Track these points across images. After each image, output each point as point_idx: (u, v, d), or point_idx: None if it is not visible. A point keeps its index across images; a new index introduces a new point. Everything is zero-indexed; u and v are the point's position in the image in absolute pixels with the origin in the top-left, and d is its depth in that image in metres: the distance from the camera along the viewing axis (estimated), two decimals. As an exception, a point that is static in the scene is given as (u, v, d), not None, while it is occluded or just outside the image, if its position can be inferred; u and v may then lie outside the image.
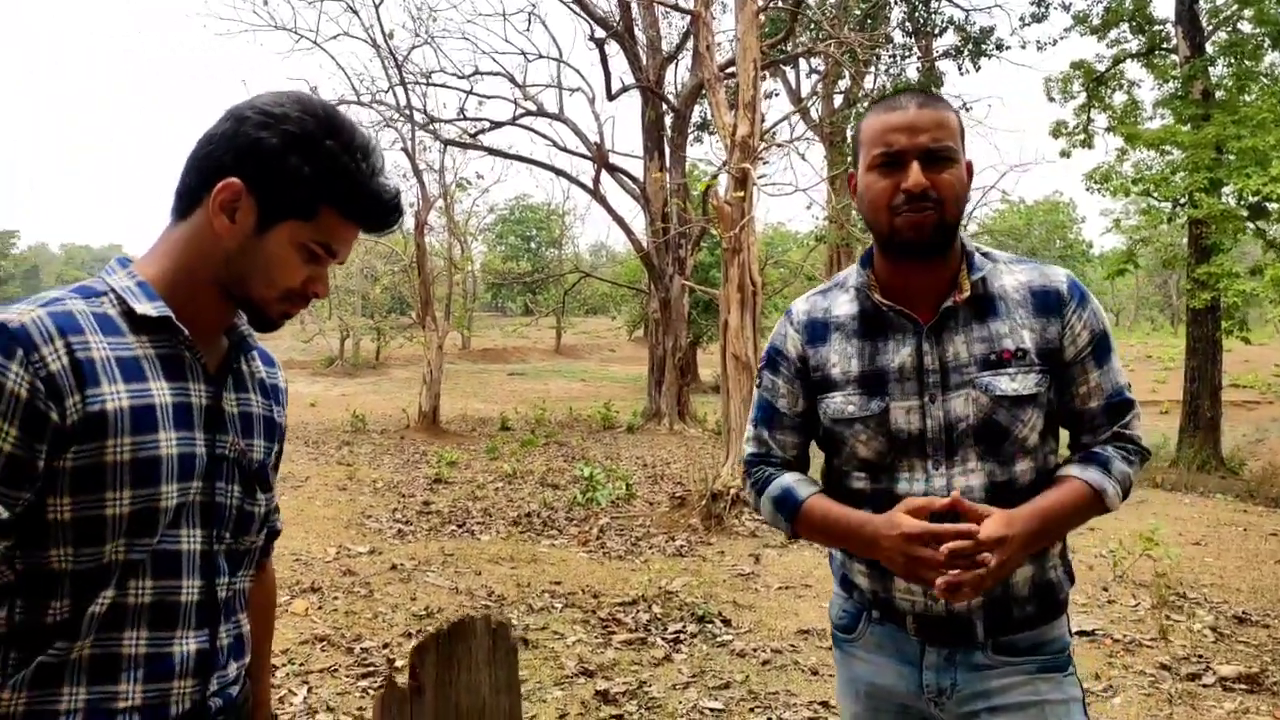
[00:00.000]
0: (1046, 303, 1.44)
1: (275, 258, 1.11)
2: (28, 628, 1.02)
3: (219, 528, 1.14)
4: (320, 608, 4.83)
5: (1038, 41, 21.00)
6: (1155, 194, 14.37)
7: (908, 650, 1.49)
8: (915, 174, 1.35)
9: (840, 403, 1.48)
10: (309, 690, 3.74)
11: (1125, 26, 17.26)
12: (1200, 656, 4.18)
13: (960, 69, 21.38)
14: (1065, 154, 18.86)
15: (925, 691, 1.47)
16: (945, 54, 22.09)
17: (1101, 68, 17.91)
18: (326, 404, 20.39)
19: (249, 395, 1.22)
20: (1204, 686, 3.81)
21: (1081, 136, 18.81)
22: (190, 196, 1.11)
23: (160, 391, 1.06)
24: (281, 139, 1.08)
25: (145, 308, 1.07)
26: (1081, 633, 4.52)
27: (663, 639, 4.46)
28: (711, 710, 3.56)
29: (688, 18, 14.88)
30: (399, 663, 3.93)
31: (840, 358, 1.50)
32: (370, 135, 1.15)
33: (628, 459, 11.98)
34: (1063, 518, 1.40)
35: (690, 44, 16.44)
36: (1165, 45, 16.56)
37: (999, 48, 21.26)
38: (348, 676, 3.89)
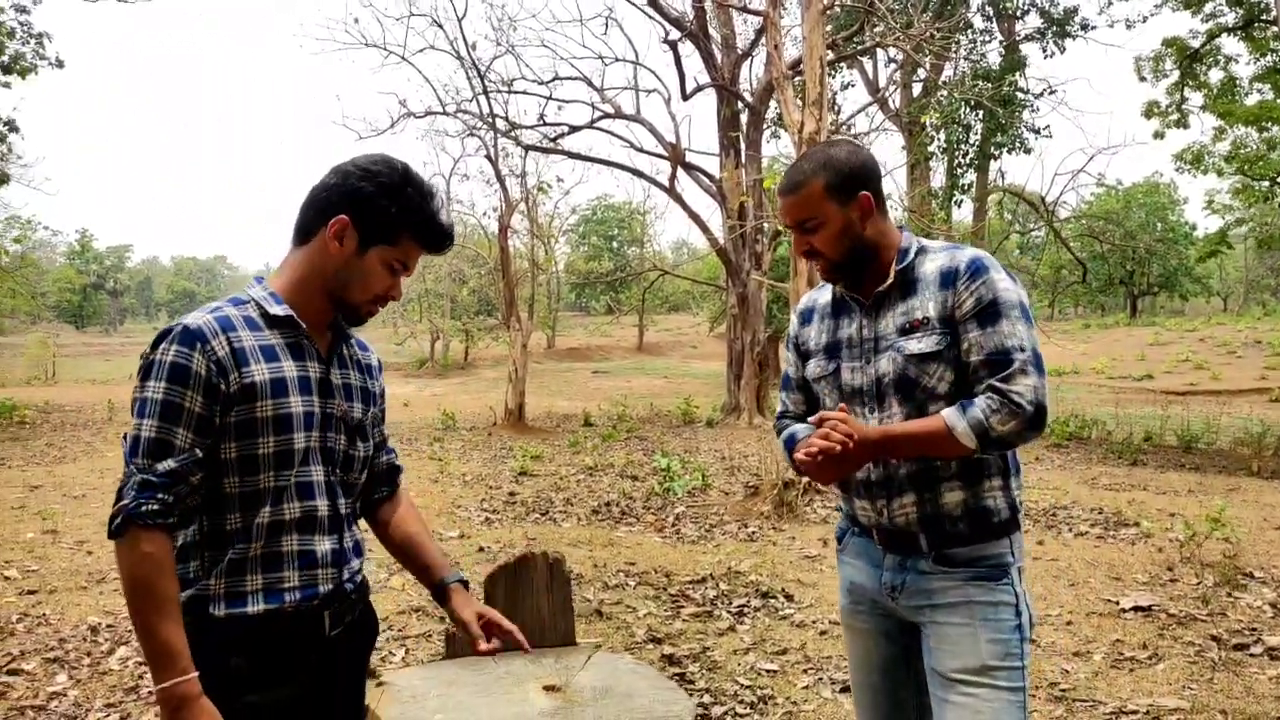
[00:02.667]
0: (947, 279, 1.74)
1: (370, 272, 1.57)
2: (214, 536, 1.48)
3: (333, 465, 1.60)
4: (416, 584, 5.28)
5: (1126, 19, 20.45)
6: (1249, 172, 13.88)
7: (874, 555, 1.87)
8: (795, 243, 1.83)
9: (814, 366, 1.93)
10: (406, 652, 4.17)
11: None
12: (1253, 629, 4.26)
13: (1044, 51, 20.95)
14: (1159, 135, 18.30)
15: (884, 588, 1.84)
16: (1028, 37, 21.66)
17: (1195, 44, 17.32)
18: (419, 404, 21.26)
19: (349, 371, 1.67)
20: (1251, 655, 3.91)
21: (1175, 116, 18.22)
22: (307, 229, 1.57)
23: (289, 369, 1.54)
24: (375, 188, 1.54)
25: (276, 310, 1.55)
26: (1138, 608, 4.63)
27: (728, 612, 4.76)
28: (767, 671, 3.85)
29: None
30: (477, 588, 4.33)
31: (815, 333, 1.95)
32: (434, 184, 1.63)
33: (706, 452, 12.27)
34: (911, 438, 1.69)
35: (765, 40, 16.59)
36: (1264, 18, 15.94)
37: (1084, 28, 20.73)
38: (439, 640, 4.32)
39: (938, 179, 20.06)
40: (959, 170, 18.80)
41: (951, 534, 1.76)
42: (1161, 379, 25.57)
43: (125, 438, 1.46)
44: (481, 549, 6.16)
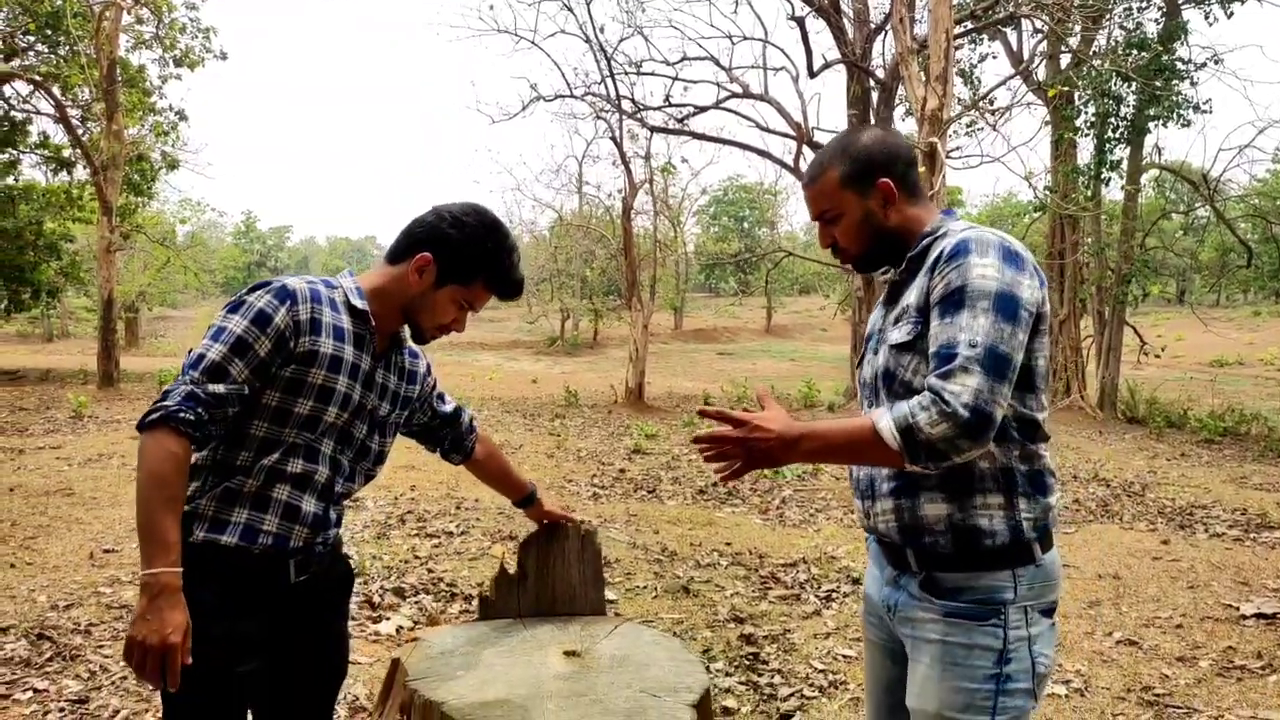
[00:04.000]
0: (932, 264, 1.56)
1: (440, 304, 1.78)
2: (223, 465, 1.66)
3: (347, 446, 1.78)
4: (514, 554, 5.50)
5: (1307, -22, 18.57)
6: None
7: (881, 565, 1.71)
8: (820, 236, 1.74)
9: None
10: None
11: None
12: (1391, 646, 3.91)
13: (1208, 17, 19.34)
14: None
15: (884, 604, 1.69)
16: (1191, 1, 20.05)
17: (1386, 2, 15.63)
18: (546, 381, 21.86)
19: (390, 375, 1.87)
20: (1380, 673, 3.60)
21: (1362, 83, 16.55)
22: (400, 254, 1.79)
23: (349, 353, 1.73)
24: (461, 236, 1.75)
25: (358, 303, 1.76)
26: (1260, 615, 4.32)
27: (815, 596, 4.74)
28: (843, 656, 3.83)
29: (892, -12, 14.57)
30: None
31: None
32: (514, 238, 1.82)
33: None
34: (830, 440, 1.48)
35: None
36: None
37: (1257, -11, 19.01)
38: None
39: (1084, 156, 18.91)
40: (1109, 146, 17.65)
41: (936, 553, 1.56)
42: (1340, 372, 23.35)
43: (190, 352, 1.62)
44: (582, 522, 6.33)
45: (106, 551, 5.18)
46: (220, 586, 1.63)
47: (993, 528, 1.52)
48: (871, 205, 1.66)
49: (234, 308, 1.65)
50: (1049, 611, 1.56)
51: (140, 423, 1.57)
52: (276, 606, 1.71)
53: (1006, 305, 1.44)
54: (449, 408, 2.07)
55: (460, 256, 1.74)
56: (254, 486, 1.66)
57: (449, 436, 2.09)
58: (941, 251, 1.54)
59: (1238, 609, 4.45)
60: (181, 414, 1.55)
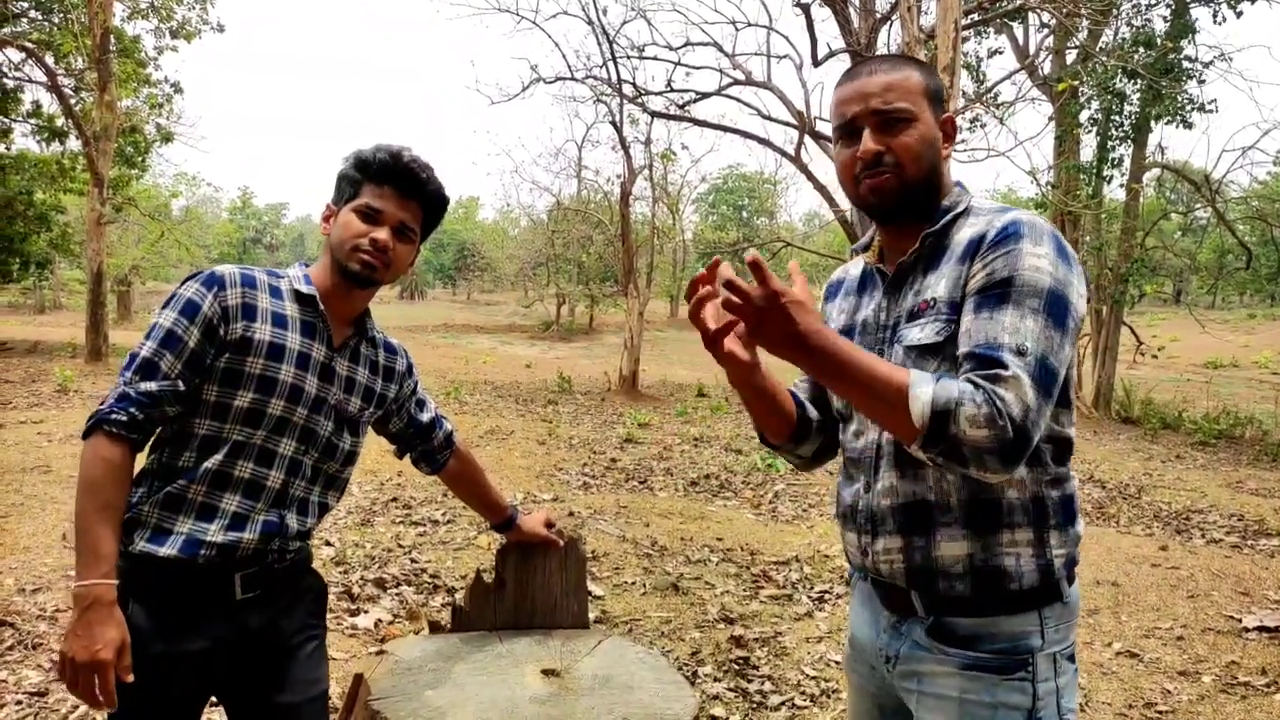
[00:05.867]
0: (971, 248, 1.32)
1: (343, 225, 1.64)
2: (167, 468, 1.54)
3: (310, 446, 1.63)
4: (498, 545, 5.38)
5: (1317, -21, 18.40)
6: None
7: (877, 609, 1.48)
8: (866, 141, 1.34)
9: None
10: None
11: None
12: (1398, 665, 3.81)
13: (1216, 16, 19.17)
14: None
15: (880, 653, 1.46)
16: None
17: (1397, 5, 15.51)
18: (541, 366, 21.70)
19: (358, 367, 1.74)
20: (1388, 694, 3.49)
21: (1369, 86, 16.47)
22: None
23: (293, 340, 1.60)
24: (345, 163, 1.68)
25: (305, 289, 1.66)
26: (1263, 628, 4.22)
27: (808, 596, 4.62)
28: (835, 663, 3.71)
29: (900, -23, 14.36)
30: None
31: (835, 311, 1.57)
32: (405, 150, 1.66)
33: (817, 429, 12.00)
34: (852, 364, 1.19)
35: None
36: None
37: (1267, -12, 18.84)
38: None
39: (1087, 153, 18.77)
40: (1111, 144, 17.51)
41: (949, 597, 1.34)
42: (1336, 377, 23.31)
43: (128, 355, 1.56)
44: (572, 513, 6.21)
45: (81, 533, 5.04)
46: (157, 603, 1.51)
47: (1019, 569, 1.32)
48: (938, 133, 1.38)
49: (165, 303, 1.58)
50: (1072, 656, 1.37)
51: (82, 433, 1.49)
52: (226, 625, 1.57)
53: (1058, 308, 1.23)
54: (426, 416, 1.92)
55: (345, 177, 1.67)
56: (199, 492, 1.54)
57: (420, 447, 1.94)
58: (983, 235, 1.31)
59: (1239, 621, 4.34)
60: (113, 416, 1.47)
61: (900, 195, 1.36)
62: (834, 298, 1.61)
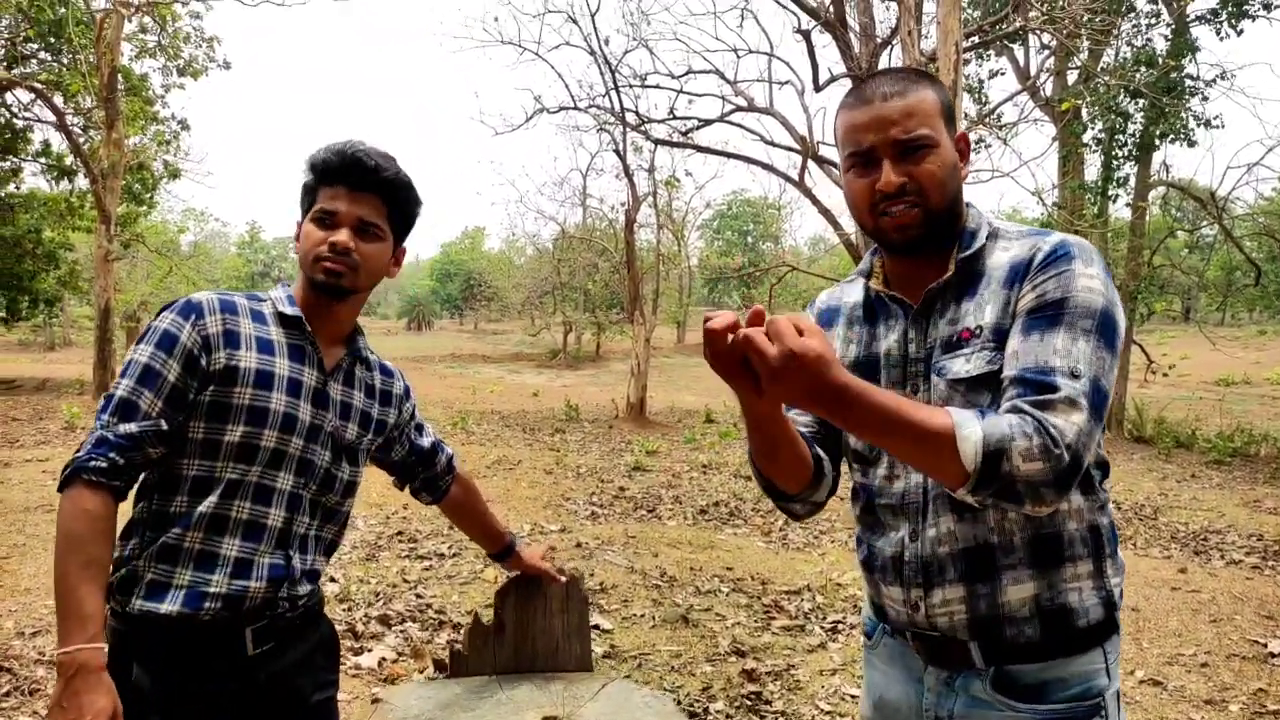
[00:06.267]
0: (1016, 272, 1.26)
1: (305, 236, 1.55)
2: (159, 516, 1.43)
3: (308, 478, 1.52)
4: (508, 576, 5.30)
5: (1317, -4, 18.43)
6: None
7: (914, 666, 1.38)
8: (887, 174, 1.25)
9: None
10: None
11: None
12: None
13: (1219, 33, 19.22)
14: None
15: (924, 714, 1.36)
16: (1200, 18, 19.94)
17: (1398, 20, 15.52)
18: (548, 394, 21.64)
19: (353, 391, 1.63)
20: None
21: (1373, 101, 16.43)
22: None
23: (281, 366, 1.49)
24: (306, 170, 1.57)
25: (288, 310, 1.56)
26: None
27: (821, 627, 4.53)
28: (851, 697, 3.61)
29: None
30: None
31: (840, 343, 1.45)
32: (351, 142, 1.55)
33: (826, 454, 11.90)
34: (884, 410, 1.08)
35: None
36: None
37: (1266, 6, 18.89)
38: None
39: (1092, 173, 18.77)
40: (1116, 163, 17.50)
41: (1017, 644, 1.26)
42: (1350, 392, 23.10)
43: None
44: (579, 544, 6.13)
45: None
46: (160, 666, 1.39)
47: (1084, 603, 1.26)
48: (956, 154, 1.30)
49: (140, 337, 1.47)
50: (1120, 697, 1.31)
51: (58, 484, 1.38)
52: (235, 685, 1.46)
53: (1109, 329, 1.18)
54: (426, 442, 1.84)
55: (302, 190, 1.58)
56: (196, 539, 1.43)
57: (422, 475, 1.85)
58: (1029, 258, 1.24)
59: (1265, 646, 4.23)
60: (91, 463, 1.36)
61: (924, 227, 1.28)
62: (832, 325, 1.48)
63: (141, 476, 1.46)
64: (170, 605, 1.40)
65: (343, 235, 1.50)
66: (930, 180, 1.26)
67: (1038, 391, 1.14)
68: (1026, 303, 1.22)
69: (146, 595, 1.41)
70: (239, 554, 1.44)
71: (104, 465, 1.37)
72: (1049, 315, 1.19)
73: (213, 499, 1.43)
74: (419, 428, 1.83)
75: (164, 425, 1.41)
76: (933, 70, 10.43)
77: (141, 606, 1.40)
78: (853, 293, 1.48)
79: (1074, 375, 1.14)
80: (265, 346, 1.49)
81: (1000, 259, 1.29)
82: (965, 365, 1.25)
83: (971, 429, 1.09)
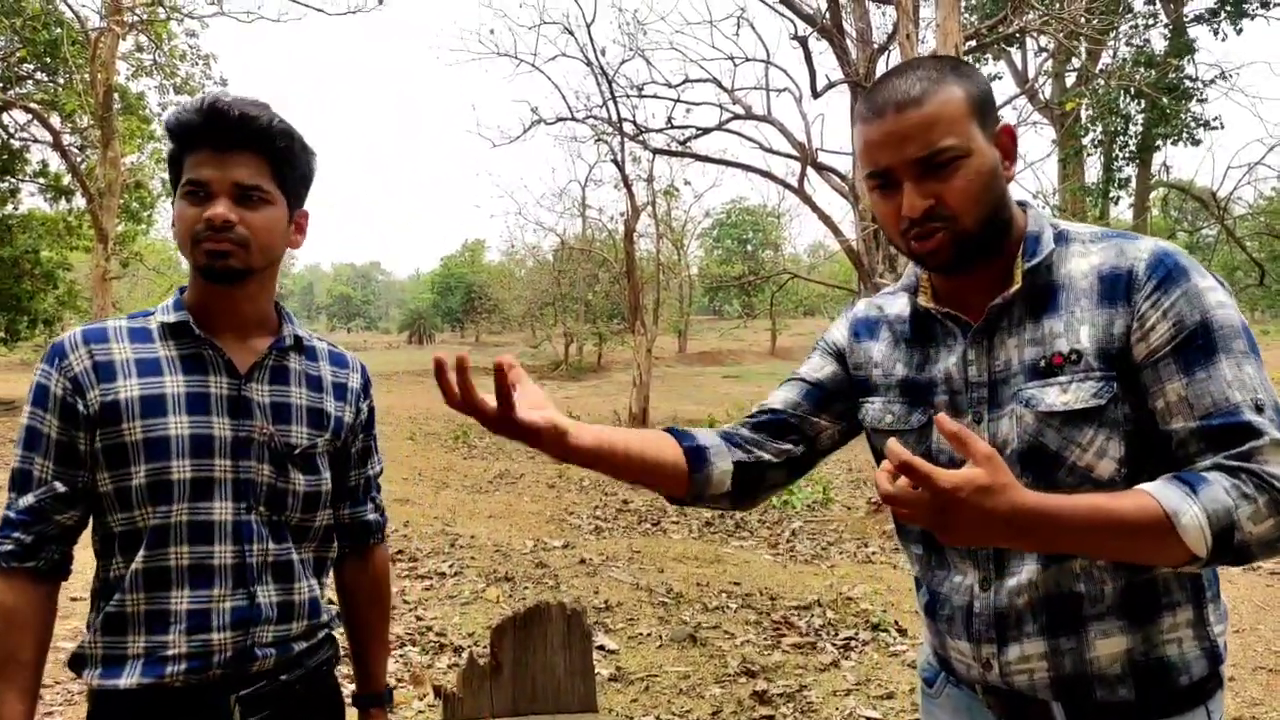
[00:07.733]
0: (1115, 288, 1.10)
1: (176, 217, 1.31)
2: (104, 584, 1.29)
3: (251, 500, 1.32)
4: (510, 596, 5.18)
5: (1315, -6, 18.40)
6: None
7: (982, 717, 1.25)
8: (910, 199, 1.11)
9: (879, 410, 1.28)
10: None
11: None
12: None
13: (1217, 33, 19.18)
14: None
15: None
16: (1198, 18, 19.91)
17: (1397, 17, 15.47)
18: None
19: (288, 388, 1.38)
20: None
21: (1373, 99, 16.37)
22: None
23: (173, 384, 1.29)
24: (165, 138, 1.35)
25: (169, 317, 1.33)
26: (1318, 667, 3.98)
27: (832, 644, 4.40)
28: (867, 718, 3.49)
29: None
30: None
31: (883, 358, 1.31)
32: (215, 93, 1.31)
33: (832, 463, 11.77)
34: (1078, 519, 0.97)
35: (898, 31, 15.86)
36: None
37: (1265, 5, 18.86)
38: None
39: (1092, 174, 18.69)
40: (1117, 164, 17.43)
41: (1108, 706, 1.13)
42: (1357, 391, 22.94)
43: None
44: (583, 561, 6.01)
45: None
46: None
47: (1185, 657, 1.12)
48: (996, 155, 1.13)
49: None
50: None
51: None
52: None
53: (1254, 342, 1.06)
54: (373, 471, 1.54)
55: (169, 162, 1.35)
56: (139, 600, 1.25)
57: (351, 516, 1.52)
58: (1127, 271, 1.10)
59: (1292, 658, 4.11)
60: None
61: (959, 251, 1.13)
62: (870, 339, 1.34)
63: (71, 547, 1.31)
64: (129, 678, 1.24)
65: (220, 207, 1.26)
66: (961, 198, 1.11)
67: (1237, 440, 1.02)
68: (1162, 335, 1.07)
69: (103, 672, 1.26)
70: (190, 605, 1.26)
71: (11, 548, 1.23)
72: (1200, 346, 1.05)
73: (143, 552, 1.26)
74: (367, 449, 1.51)
75: (60, 488, 1.26)
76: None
77: (99, 684, 1.25)
78: (895, 305, 1.34)
79: (1259, 408, 1.02)
80: (149, 368, 1.29)
81: (1079, 267, 1.14)
82: (1063, 396, 1.10)
83: (1189, 513, 0.97)
